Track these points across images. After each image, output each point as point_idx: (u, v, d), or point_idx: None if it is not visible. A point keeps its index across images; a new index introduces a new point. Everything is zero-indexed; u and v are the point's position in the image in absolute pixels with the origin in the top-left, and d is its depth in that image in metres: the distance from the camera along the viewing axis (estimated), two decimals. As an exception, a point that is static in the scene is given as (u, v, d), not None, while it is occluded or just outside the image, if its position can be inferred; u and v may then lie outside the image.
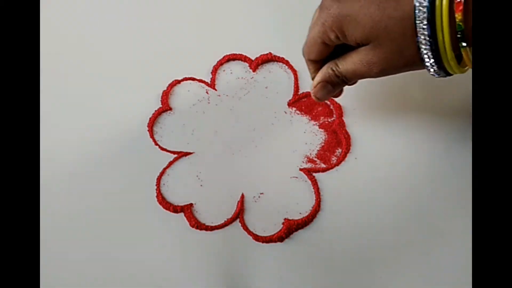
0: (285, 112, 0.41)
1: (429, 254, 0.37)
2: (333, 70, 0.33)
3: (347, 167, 0.39)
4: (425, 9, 0.28)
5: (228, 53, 0.43)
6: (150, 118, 0.41)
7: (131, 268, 0.37)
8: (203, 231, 0.38)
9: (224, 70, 0.43)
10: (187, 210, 0.38)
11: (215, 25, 0.44)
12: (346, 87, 0.36)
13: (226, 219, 0.38)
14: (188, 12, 0.44)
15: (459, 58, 0.30)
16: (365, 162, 0.39)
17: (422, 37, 0.29)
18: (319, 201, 0.38)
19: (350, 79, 0.34)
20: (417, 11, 0.28)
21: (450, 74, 0.31)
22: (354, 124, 0.40)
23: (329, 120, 0.41)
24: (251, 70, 0.42)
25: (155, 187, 0.39)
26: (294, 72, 0.42)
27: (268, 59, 0.42)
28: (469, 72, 0.38)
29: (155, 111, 0.41)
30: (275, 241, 0.37)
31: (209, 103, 0.42)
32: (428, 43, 0.29)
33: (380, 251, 0.37)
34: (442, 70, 0.30)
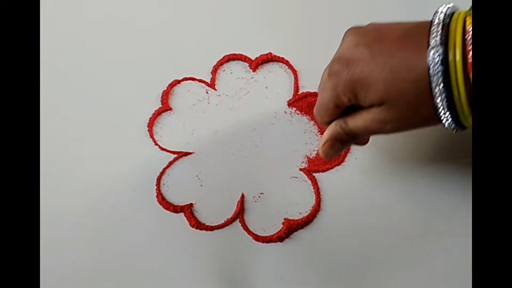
0: (285, 112, 0.41)
1: (429, 254, 0.37)
2: (342, 128, 0.32)
3: (347, 167, 0.39)
4: (439, 70, 0.27)
5: (228, 53, 0.43)
6: (150, 118, 0.41)
7: (131, 267, 0.37)
8: (203, 231, 0.38)
9: (224, 70, 0.43)
10: (187, 210, 0.38)
11: (215, 25, 0.44)
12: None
13: (226, 219, 0.38)
14: (188, 12, 0.44)
15: None
16: (365, 162, 0.39)
17: (439, 99, 0.28)
18: (319, 201, 0.38)
19: (359, 135, 0.33)
20: (431, 74, 0.28)
21: (466, 128, 0.31)
22: (354, 124, 0.40)
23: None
24: (251, 70, 0.42)
25: (155, 187, 0.39)
26: (294, 72, 0.42)
27: (268, 59, 0.42)
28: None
29: (155, 111, 0.41)
30: (275, 241, 0.37)
31: (209, 103, 0.42)
32: (446, 105, 0.28)
33: (380, 251, 0.37)
34: (459, 126, 0.30)
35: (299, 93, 0.42)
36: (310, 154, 0.40)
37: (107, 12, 0.45)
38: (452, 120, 0.29)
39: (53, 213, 0.38)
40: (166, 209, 0.38)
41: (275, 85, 0.42)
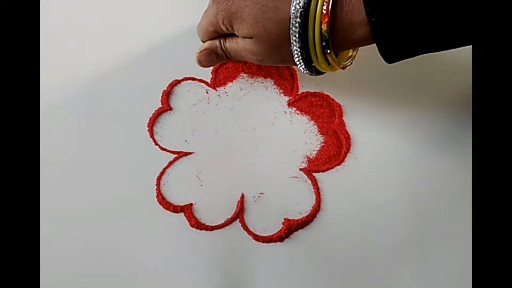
0: (285, 112, 0.41)
1: (429, 254, 0.37)
2: (220, 43, 0.36)
3: (347, 167, 0.39)
4: (297, 24, 0.31)
5: (228, 53, 0.43)
6: (150, 118, 0.41)
7: (131, 268, 0.37)
8: (203, 231, 0.38)
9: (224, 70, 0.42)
10: (187, 210, 0.38)
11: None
12: (347, 88, 0.36)
13: (226, 219, 0.38)
14: (188, 11, 0.44)
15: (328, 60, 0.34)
16: (365, 162, 0.39)
17: (295, 47, 0.32)
18: (319, 201, 0.38)
19: (233, 57, 0.37)
20: (291, 25, 0.31)
21: (322, 73, 0.35)
22: (354, 124, 0.40)
23: (329, 120, 0.41)
24: (251, 70, 0.42)
25: (155, 187, 0.39)
26: (294, 72, 0.42)
27: (268, 59, 0.42)
28: (469, 73, 0.38)
29: (155, 111, 0.41)
30: (275, 241, 0.37)
31: (209, 103, 0.42)
32: (300, 53, 0.33)
33: (380, 251, 0.37)
34: (314, 70, 0.35)
35: (299, 93, 0.42)
36: (310, 154, 0.40)
37: (107, 12, 0.45)
38: (306, 67, 0.34)
39: (53, 213, 0.38)
40: (166, 209, 0.38)
41: (275, 85, 0.42)
